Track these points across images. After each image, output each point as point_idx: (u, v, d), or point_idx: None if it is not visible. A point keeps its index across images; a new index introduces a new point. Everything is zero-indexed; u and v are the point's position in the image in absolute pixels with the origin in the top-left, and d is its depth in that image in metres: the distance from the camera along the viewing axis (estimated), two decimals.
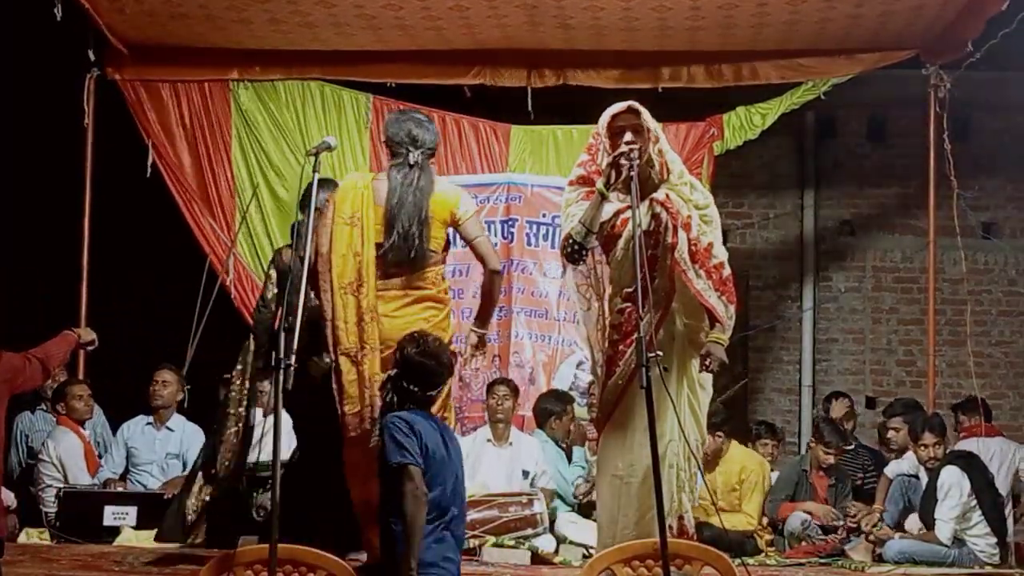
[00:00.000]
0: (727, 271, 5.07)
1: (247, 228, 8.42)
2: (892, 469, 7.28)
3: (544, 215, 8.36)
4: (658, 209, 5.00)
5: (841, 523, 7.05)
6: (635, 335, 4.57)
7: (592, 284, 5.26)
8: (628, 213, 4.85)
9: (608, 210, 5.04)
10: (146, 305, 9.46)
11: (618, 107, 5.04)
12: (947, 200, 8.02)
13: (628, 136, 4.93)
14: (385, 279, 4.99)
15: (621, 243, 5.02)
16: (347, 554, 4.91)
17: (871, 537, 6.84)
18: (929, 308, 8.26)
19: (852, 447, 7.91)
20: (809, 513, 7.08)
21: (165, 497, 6.93)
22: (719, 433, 6.94)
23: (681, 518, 5.07)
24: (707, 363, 4.95)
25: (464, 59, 8.34)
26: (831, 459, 7.33)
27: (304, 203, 5.74)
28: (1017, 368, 10.00)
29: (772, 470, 7.62)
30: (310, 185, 5.09)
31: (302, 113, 8.58)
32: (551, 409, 7.47)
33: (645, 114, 5.00)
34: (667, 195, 5.01)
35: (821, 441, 7.34)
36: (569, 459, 7.52)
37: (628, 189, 4.76)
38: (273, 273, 5.75)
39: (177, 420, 7.50)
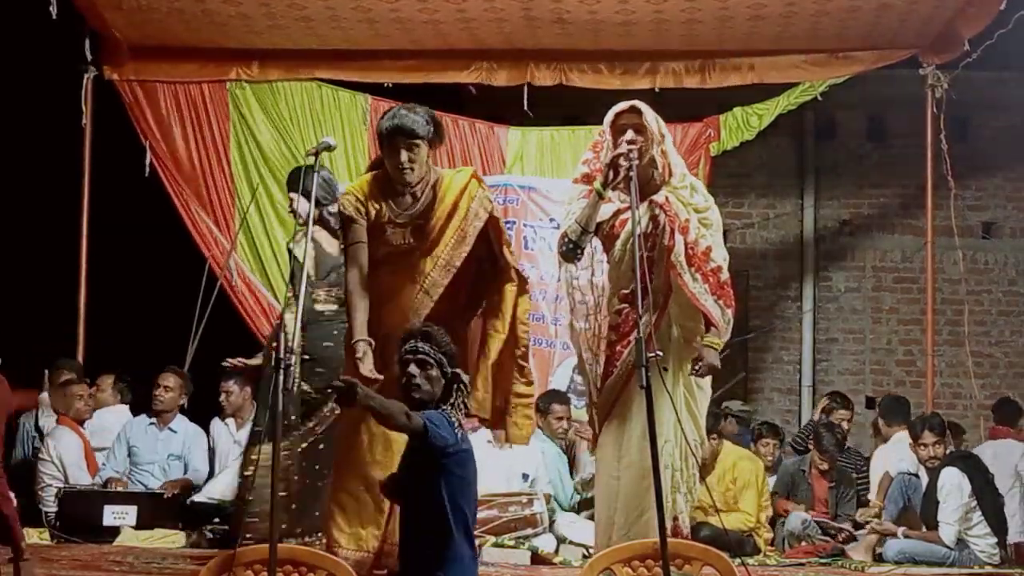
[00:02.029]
0: (726, 275, 5.05)
1: (247, 229, 8.42)
2: (893, 467, 7.28)
3: (542, 218, 8.36)
4: (656, 211, 4.99)
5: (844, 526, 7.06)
6: (632, 336, 4.58)
7: (590, 283, 5.26)
8: (627, 214, 4.84)
9: (607, 210, 5.03)
10: (146, 305, 9.46)
11: (621, 106, 5.03)
12: (946, 200, 8.03)
13: (630, 135, 4.92)
14: None
15: (619, 244, 5.02)
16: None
17: (875, 531, 6.85)
18: (928, 308, 8.26)
19: (846, 448, 7.92)
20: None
21: (165, 496, 6.95)
22: (713, 436, 6.92)
23: (676, 519, 5.06)
24: (697, 368, 4.94)
25: (462, 58, 8.34)
26: (824, 465, 7.34)
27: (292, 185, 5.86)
28: (1017, 368, 10.01)
29: (771, 471, 7.62)
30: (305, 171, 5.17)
31: (301, 113, 8.58)
32: (537, 405, 7.50)
33: (648, 114, 4.99)
34: (667, 198, 5.01)
35: (818, 447, 7.34)
36: (571, 461, 7.52)
37: (629, 189, 4.75)
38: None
39: (179, 421, 7.51)
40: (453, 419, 3.95)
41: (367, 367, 4.70)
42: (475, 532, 6.06)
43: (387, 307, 4.90)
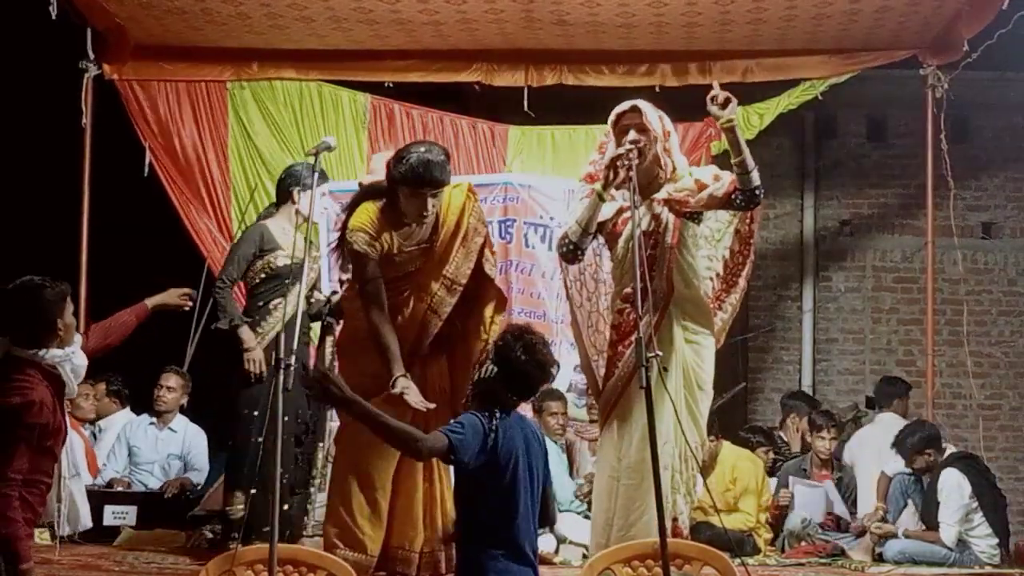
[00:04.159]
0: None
1: (245, 229, 8.40)
2: (891, 468, 7.28)
3: (542, 216, 8.34)
4: (659, 209, 5.00)
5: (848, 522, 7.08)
6: (633, 335, 4.58)
7: (584, 283, 5.28)
8: (629, 212, 4.85)
9: (609, 209, 5.04)
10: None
11: (623, 106, 5.06)
12: (946, 200, 8.02)
13: (632, 135, 4.94)
14: None
15: (621, 242, 5.03)
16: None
17: (874, 534, 6.84)
18: (928, 308, 8.26)
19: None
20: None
21: (165, 496, 6.94)
22: (711, 437, 6.91)
23: (675, 520, 5.07)
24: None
25: (462, 58, 8.33)
26: (827, 443, 7.34)
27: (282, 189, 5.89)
28: (1017, 368, 10.00)
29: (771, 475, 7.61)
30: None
31: (300, 113, 8.57)
32: (532, 404, 7.48)
33: (649, 113, 5.00)
34: (668, 194, 5.03)
35: (815, 428, 7.36)
36: (570, 462, 7.51)
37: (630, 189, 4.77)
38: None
39: (180, 421, 7.51)
40: (489, 423, 3.84)
41: (415, 399, 4.71)
42: None
43: (393, 326, 4.92)
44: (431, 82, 8.44)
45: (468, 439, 3.76)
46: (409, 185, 4.83)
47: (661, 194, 5.02)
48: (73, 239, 8.14)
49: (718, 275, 5.36)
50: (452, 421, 3.90)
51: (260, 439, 5.46)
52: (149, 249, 9.08)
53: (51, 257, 8.50)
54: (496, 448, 3.80)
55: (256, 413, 5.64)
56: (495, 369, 3.92)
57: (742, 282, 5.42)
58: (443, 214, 4.98)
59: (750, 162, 4.96)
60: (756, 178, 4.97)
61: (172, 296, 5.17)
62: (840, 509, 7.25)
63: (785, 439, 8.10)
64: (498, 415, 3.86)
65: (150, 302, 5.11)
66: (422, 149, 4.88)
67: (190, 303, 5.28)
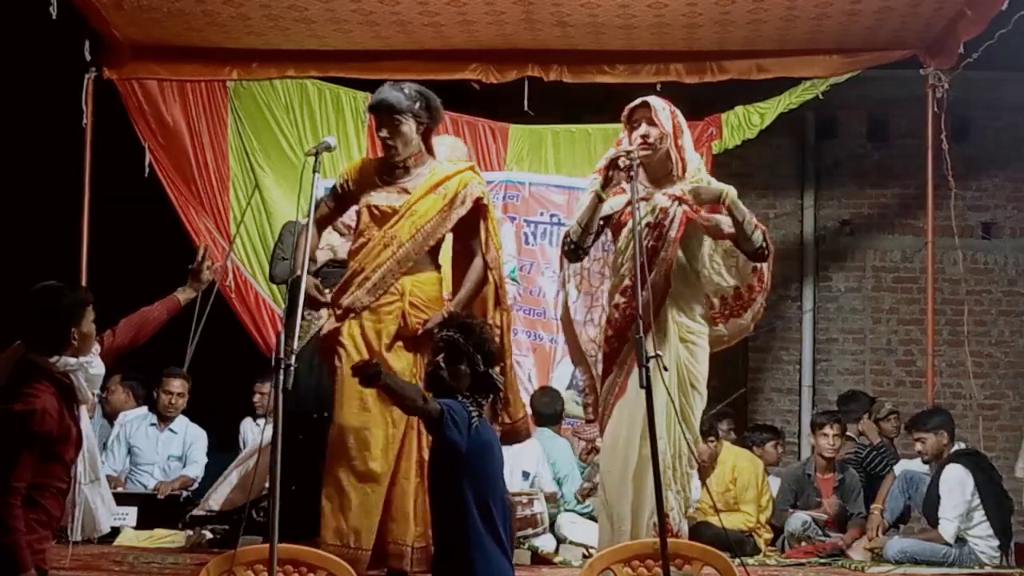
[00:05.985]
0: None
1: (245, 230, 8.40)
2: (902, 466, 7.27)
3: (542, 214, 8.37)
4: (668, 202, 5.00)
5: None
6: (630, 331, 4.59)
7: (587, 277, 5.28)
8: (639, 204, 4.84)
9: (619, 200, 5.06)
10: (145, 305, 9.43)
11: (635, 102, 5.12)
12: (947, 200, 8.02)
13: (643, 129, 4.99)
14: None
15: (624, 232, 5.03)
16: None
17: (872, 543, 6.84)
18: (928, 308, 8.26)
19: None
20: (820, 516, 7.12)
21: (159, 497, 6.94)
22: (711, 438, 6.92)
23: (666, 516, 5.06)
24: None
25: (462, 58, 8.33)
26: (828, 440, 7.33)
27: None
28: (1017, 368, 10.01)
29: (770, 473, 7.60)
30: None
31: (300, 113, 8.57)
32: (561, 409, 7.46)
33: (659, 109, 5.04)
34: (682, 191, 5.04)
35: (816, 428, 7.36)
36: None
37: (639, 182, 4.80)
38: None
39: (180, 422, 7.51)
40: (472, 410, 3.91)
41: (314, 290, 4.91)
42: None
43: (359, 278, 5.01)
44: (431, 80, 8.42)
45: (457, 417, 3.86)
46: (371, 112, 5.16)
47: (674, 189, 5.03)
48: (73, 239, 8.14)
49: (721, 299, 5.33)
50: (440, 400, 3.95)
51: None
52: (149, 249, 9.07)
53: (51, 257, 8.52)
54: (484, 433, 3.92)
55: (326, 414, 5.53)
56: (490, 370, 3.98)
57: (747, 317, 5.40)
58: (434, 171, 5.09)
59: (748, 228, 4.97)
60: (758, 239, 4.97)
61: (200, 281, 5.12)
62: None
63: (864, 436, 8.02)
64: (478, 411, 3.94)
65: (182, 296, 5.07)
66: (392, 83, 5.12)
67: (217, 264, 5.28)
